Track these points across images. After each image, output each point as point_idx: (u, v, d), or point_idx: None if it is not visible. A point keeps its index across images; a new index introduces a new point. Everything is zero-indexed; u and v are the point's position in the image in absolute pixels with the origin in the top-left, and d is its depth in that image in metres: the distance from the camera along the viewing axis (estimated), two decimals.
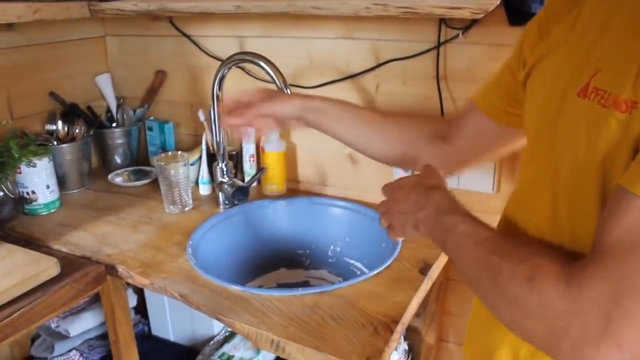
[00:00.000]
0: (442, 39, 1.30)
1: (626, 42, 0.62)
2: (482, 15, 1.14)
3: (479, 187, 1.36)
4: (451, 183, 1.38)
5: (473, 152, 1.03)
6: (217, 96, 1.39)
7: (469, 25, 1.27)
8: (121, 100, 1.77)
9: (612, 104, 0.60)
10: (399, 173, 1.43)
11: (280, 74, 1.27)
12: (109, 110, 1.76)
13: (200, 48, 1.63)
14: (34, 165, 1.41)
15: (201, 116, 1.57)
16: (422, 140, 1.05)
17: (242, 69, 1.57)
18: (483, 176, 1.35)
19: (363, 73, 1.42)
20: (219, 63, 1.43)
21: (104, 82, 1.76)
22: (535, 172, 0.77)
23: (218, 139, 1.43)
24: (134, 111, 1.77)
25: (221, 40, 1.59)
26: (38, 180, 1.44)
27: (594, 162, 0.63)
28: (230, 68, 1.35)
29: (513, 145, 0.99)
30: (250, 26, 1.52)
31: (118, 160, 1.75)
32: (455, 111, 1.05)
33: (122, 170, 1.73)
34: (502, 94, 0.91)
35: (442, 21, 1.29)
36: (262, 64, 1.28)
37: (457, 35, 1.29)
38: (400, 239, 0.90)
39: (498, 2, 1.09)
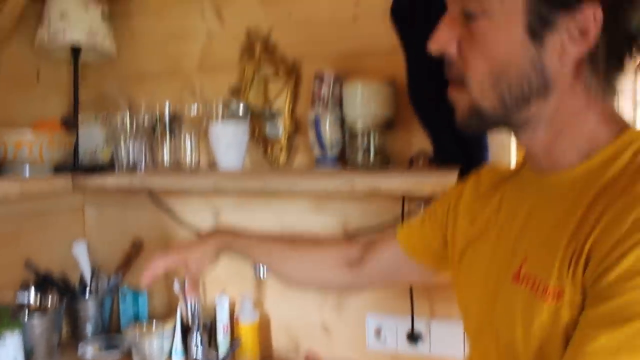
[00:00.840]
0: (405, 212, 1.40)
1: (549, 232, 0.69)
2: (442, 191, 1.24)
3: (450, 352, 1.38)
4: (422, 349, 1.40)
5: (382, 278, 1.13)
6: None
7: (430, 197, 1.37)
8: (96, 270, 1.79)
9: (542, 292, 0.66)
10: (373, 342, 1.44)
11: None
12: (83, 278, 1.77)
13: (177, 220, 1.70)
14: (4, 339, 1.39)
15: (176, 287, 1.59)
16: (328, 268, 1.13)
17: None
18: (453, 341, 1.38)
19: None
20: (195, 234, 1.49)
21: (80, 251, 1.79)
22: (481, 356, 0.81)
23: (192, 311, 1.45)
24: (109, 279, 1.78)
25: (198, 212, 1.67)
26: (5, 356, 1.41)
27: (530, 348, 0.67)
28: None
29: (423, 279, 1.13)
30: (226, 199, 1.61)
31: (89, 329, 1.72)
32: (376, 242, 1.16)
33: (93, 340, 1.70)
34: (424, 238, 1.01)
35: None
36: None
37: (420, 208, 1.39)
38: None
39: (453, 182, 1.19)
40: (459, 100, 0.73)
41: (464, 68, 0.71)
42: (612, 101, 0.73)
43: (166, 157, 1.61)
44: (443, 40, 0.72)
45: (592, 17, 0.66)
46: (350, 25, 1.44)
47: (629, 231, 0.58)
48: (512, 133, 0.77)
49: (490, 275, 0.79)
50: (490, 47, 0.68)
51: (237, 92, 1.55)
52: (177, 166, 1.58)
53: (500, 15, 0.67)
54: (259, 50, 1.52)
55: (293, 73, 1.49)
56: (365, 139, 1.34)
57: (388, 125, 1.36)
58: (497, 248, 0.79)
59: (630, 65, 0.72)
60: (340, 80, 1.38)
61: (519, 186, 0.82)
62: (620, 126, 0.71)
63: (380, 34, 1.37)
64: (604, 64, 0.71)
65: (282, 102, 1.51)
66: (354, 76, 1.41)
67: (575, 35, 0.67)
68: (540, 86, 0.69)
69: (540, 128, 0.72)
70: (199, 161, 1.57)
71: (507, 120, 0.73)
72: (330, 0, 1.46)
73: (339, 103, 1.37)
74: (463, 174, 1.28)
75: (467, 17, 0.69)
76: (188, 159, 1.56)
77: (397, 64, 1.33)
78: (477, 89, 0.70)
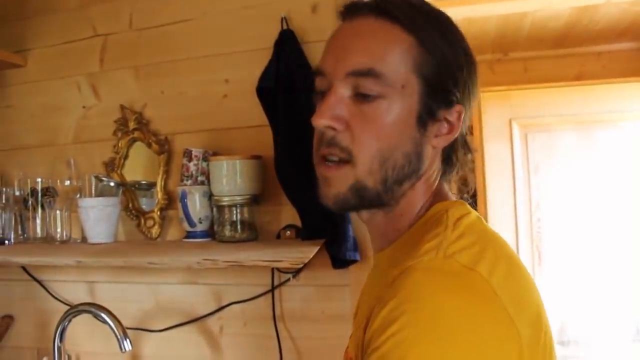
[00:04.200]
0: (275, 283, 1.43)
1: (365, 310, 0.74)
2: (300, 266, 1.28)
3: None
4: None
5: None
6: (59, 348, 1.40)
7: (299, 269, 1.41)
8: None
9: None
10: None
11: (120, 324, 1.32)
12: None
13: (50, 293, 1.65)
14: None
15: None
16: None
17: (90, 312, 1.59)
18: None
19: (207, 316, 1.50)
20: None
21: None
22: None
23: None
24: None
25: (72, 285, 1.63)
26: None
27: None
28: (70, 320, 1.38)
29: None
30: (100, 273, 1.59)
31: None
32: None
33: None
34: None
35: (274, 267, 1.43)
36: (102, 315, 1.33)
37: (289, 279, 1.43)
38: None
39: (311, 256, 1.24)
40: (338, 178, 0.74)
41: (352, 146, 0.72)
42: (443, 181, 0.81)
43: (38, 231, 1.58)
44: (330, 115, 0.72)
45: (457, 115, 0.75)
46: (220, 101, 1.50)
47: (387, 292, 0.64)
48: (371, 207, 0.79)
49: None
50: (384, 128, 0.72)
51: (111, 165, 1.56)
52: (48, 239, 1.56)
53: (399, 100, 0.72)
54: (132, 125, 1.54)
55: (165, 148, 1.52)
56: (233, 213, 1.38)
57: (255, 200, 1.40)
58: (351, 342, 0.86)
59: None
60: (208, 156, 1.42)
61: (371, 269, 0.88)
62: (436, 199, 0.78)
63: (249, 110, 1.44)
64: (451, 155, 0.80)
65: (155, 176, 1.52)
66: (224, 151, 1.46)
67: (445, 128, 0.76)
68: (416, 169, 0.75)
69: (391, 208, 0.77)
70: (70, 234, 1.55)
71: (380, 201, 0.75)
72: (201, 78, 1.51)
73: (207, 178, 1.40)
74: (328, 247, 1.35)
75: (361, 98, 0.72)
76: (59, 232, 1.54)
77: (266, 139, 1.40)
78: (365, 167, 0.72)
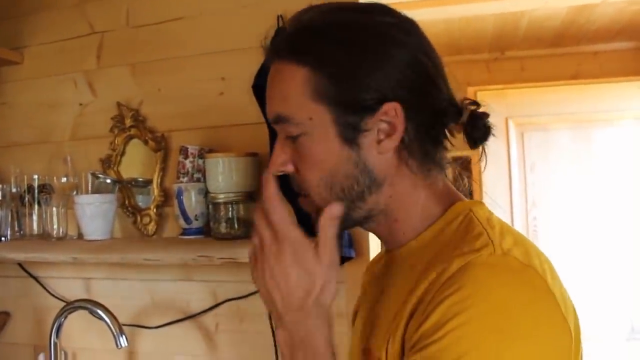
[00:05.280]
0: None
1: (389, 305, 0.75)
2: None
3: None
4: None
5: None
6: (55, 344, 1.40)
7: None
8: None
9: None
10: None
11: (116, 320, 1.33)
12: None
13: (46, 290, 1.65)
14: None
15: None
16: None
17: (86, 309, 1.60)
18: None
19: (203, 313, 1.50)
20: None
21: None
22: None
23: None
24: None
25: (68, 282, 1.64)
26: None
27: None
28: (66, 317, 1.39)
29: None
30: (96, 269, 1.60)
31: None
32: None
33: None
34: None
35: None
36: (98, 311, 1.34)
37: None
38: None
39: None
40: (307, 207, 0.78)
41: (301, 182, 0.76)
42: (440, 176, 0.79)
43: (34, 227, 1.59)
44: (280, 162, 0.77)
45: (393, 113, 0.73)
46: (216, 99, 1.50)
47: (442, 287, 0.64)
48: (359, 225, 0.82)
49: (353, 346, 0.86)
50: (315, 159, 0.74)
51: (107, 162, 1.57)
52: (44, 236, 1.56)
53: (315, 131, 0.73)
54: (129, 122, 1.55)
55: (162, 145, 1.52)
56: (228, 209, 1.38)
57: (251, 197, 1.40)
58: (361, 322, 0.86)
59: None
60: (204, 153, 1.43)
61: (381, 264, 0.89)
62: (451, 200, 0.78)
63: (245, 107, 1.43)
64: (420, 146, 0.77)
65: (152, 173, 1.53)
66: (220, 148, 1.46)
67: (386, 130, 0.74)
68: (369, 182, 0.75)
69: (380, 217, 0.78)
70: (66, 231, 1.56)
71: (351, 218, 0.77)
72: (198, 75, 1.52)
73: (203, 175, 1.41)
74: None
75: (292, 139, 0.75)
76: (55, 228, 1.54)
77: (261, 136, 1.40)
78: (316, 196, 0.75)
